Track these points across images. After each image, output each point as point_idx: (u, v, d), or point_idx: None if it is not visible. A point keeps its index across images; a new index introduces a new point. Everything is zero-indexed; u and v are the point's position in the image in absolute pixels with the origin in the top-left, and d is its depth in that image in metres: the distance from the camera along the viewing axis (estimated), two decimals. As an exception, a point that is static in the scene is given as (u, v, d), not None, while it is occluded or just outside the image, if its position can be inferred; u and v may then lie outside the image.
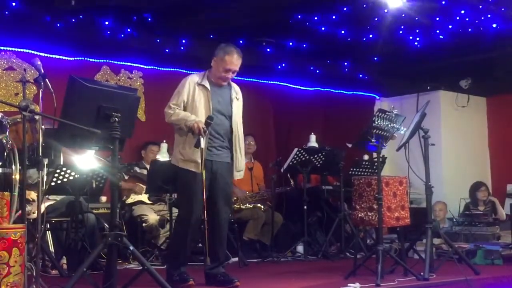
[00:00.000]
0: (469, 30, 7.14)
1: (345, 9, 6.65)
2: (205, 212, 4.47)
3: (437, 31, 7.29)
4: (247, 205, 7.08)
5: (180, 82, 4.77)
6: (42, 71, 3.92)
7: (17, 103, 3.88)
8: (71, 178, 5.21)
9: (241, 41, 7.67)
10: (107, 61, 7.32)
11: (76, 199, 5.26)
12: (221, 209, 4.70)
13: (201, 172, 4.46)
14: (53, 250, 5.72)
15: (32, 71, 6.39)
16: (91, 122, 3.86)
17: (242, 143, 4.82)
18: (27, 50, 6.66)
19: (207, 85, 4.69)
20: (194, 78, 4.74)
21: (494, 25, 7.02)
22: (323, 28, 7.18)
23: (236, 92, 4.85)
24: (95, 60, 7.23)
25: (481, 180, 8.51)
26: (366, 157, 8.08)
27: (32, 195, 5.18)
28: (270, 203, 7.21)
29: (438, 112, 9.05)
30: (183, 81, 4.74)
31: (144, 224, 6.45)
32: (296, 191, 7.98)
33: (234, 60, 4.67)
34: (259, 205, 7.17)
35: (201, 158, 4.48)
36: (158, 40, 7.27)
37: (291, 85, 8.81)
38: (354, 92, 9.40)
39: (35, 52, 6.58)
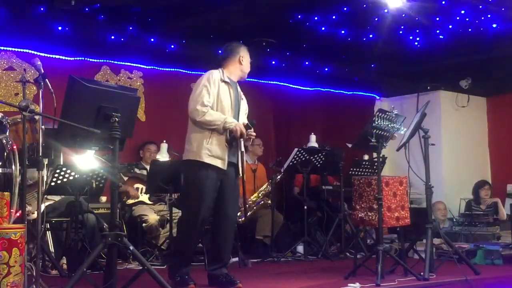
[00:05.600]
0: (469, 30, 7.14)
1: (345, 9, 6.65)
2: (245, 212, 4.56)
3: (437, 31, 7.29)
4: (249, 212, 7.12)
5: (204, 77, 4.60)
6: (42, 71, 3.92)
7: (17, 103, 3.88)
8: (71, 178, 5.21)
9: (241, 41, 7.64)
10: (107, 61, 7.33)
11: (76, 199, 5.26)
12: (230, 210, 4.66)
13: (242, 175, 4.57)
14: (53, 250, 5.72)
15: (32, 71, 6.41)
16: (91, 122, 3.86)
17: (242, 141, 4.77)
18: (27, 50, 6.67)
19: (229, 81, 4.67)
20: (216, 75, 4.63)
21: (494, 25, 7.02)
22: (323, 28, 7.17)
23: (242, 94, 4.85)
24: (95, 60, 7.23)
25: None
26: (366, 157, 8.08)
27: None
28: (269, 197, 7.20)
29: (438, 112, 9.06)
30: (208, 77, 4.59)
31: (144, 224, 6.45)
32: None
33: None
34: (262, 202, 7.18)
35: (241, 161, 4.56)
36: (158, 40, 7.26)
37: (291, 85, 8.82)
38: (354, 92, 9.41)
39: (35, 52, 6.59)
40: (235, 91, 4.73)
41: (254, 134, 4.64)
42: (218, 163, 4.51)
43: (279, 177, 7.21)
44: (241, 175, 4.66)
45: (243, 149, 4.55)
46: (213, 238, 4.72)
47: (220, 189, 4.58)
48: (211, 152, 4.51)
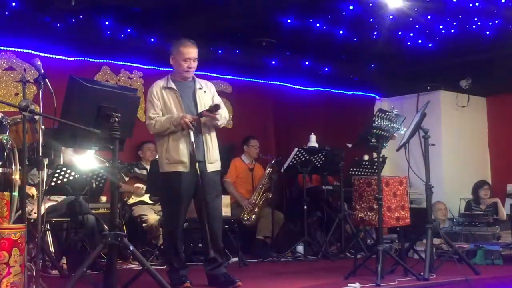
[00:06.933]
0: (469, 30, 7.14)
1: (345, 9, 6.65)
2: (207, 211, 4.51)
3: (437, 31, 7.28)
4: (256, 210, 7.11)
5: (148, 92, 4.79)
6: (42, 71, 3.92)
7: (17, 103, 3.88)
8: (71, 178, 5.21)
9: (241, 41, 7.66)
10: (107, 61, 7.33)
11: (76, 199, 5.26)
12: (211, 208, 4.64)
13: (196, 168, 4.52)
14: (53, 250, 5.72)
15: (32, 71, 6.41)
16: (91, 122, 3.86)
17: (212, 133, 4.76)
18: (27, 50, 6.67)
19: (173, 86, 4.72)
20: (159, 84, 4.76)
21: (494, 25, 7.02)
22: (323, 28, 7.17)
23: (202, 85, 4.83)
24: (95, 60, 7.23)
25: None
26: (366, 157, 8.08)
27: (32, 190, 5.18)
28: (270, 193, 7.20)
29: (438, 112, 9.06)
30: (150, 91, 4.76)
31: (144, 224, 6.45)
32: (296, 191, 8.00)
33: (190, 49, 4.75)
34: (264, 199, 7.18)
35: (193, 152, 4.53)
36: (158, 40, 7.26)
37: (291, 85, 8.82)
38: (354, 92, 9.40)
39: (35, 52, 6.59)
40: (187, 90, 4.75)
41: (216, 115, 4.60)
42: (178, 168, 4.58)
43: (273, 161, 7.19)
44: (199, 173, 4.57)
45: (192, 139, 4.52)
46: (202, 237, 4.77)
47: (197, 189, 4.59)
48: (169, 160, 4.61)
